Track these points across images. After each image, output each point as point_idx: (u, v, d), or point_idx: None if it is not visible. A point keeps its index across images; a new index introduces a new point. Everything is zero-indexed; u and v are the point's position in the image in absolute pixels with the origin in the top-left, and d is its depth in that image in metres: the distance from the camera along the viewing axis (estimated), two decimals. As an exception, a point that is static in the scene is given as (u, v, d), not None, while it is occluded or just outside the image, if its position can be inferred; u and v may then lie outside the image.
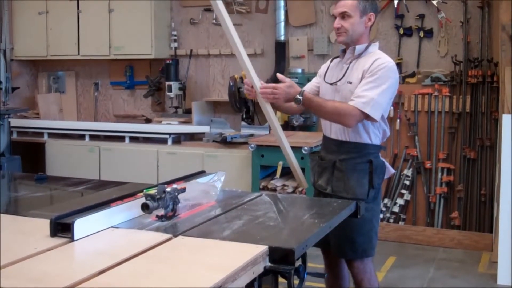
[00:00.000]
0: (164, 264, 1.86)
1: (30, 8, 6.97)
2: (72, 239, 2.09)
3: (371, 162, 3.07)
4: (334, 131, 3.16)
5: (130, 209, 2.39)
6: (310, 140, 5.15)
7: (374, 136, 3.10)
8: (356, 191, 3.05)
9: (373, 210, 3.11)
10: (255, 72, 3.10)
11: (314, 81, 3.40)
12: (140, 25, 6.47)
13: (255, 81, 3.09)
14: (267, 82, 5.99)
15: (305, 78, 5.52)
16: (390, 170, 3.24)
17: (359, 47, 3.11)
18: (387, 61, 3.05)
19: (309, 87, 3.40)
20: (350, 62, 3.13)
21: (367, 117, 2.97)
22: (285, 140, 3.27)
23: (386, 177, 3.21)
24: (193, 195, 2.57)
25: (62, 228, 2.13)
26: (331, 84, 3.17)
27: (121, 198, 2.48)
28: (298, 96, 2.99)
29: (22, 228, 2.28)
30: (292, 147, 3.28)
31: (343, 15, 3.06)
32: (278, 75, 3.13)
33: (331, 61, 3.31)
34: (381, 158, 3.18)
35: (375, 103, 2.95)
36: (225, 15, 3.03)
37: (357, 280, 3.18)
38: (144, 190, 2.47)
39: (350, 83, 3.07)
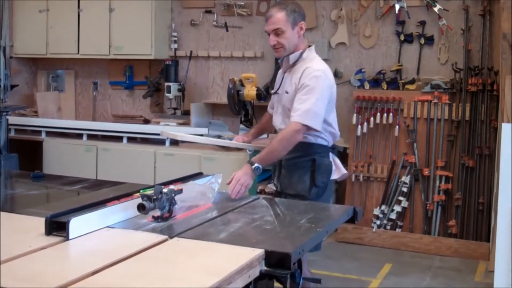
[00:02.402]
0: (159, 266, 1.85)
1: (31, 6, 6.96)
2: (67, 238, 2.07)
3: (315, 161, 3.16)
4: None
5: (126, 209, 2.38)
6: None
7: (319, 138, 3.19)
8: (297, 188, 3.16)
9: None
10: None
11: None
12: (141, 25, 6.45)
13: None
14: (266, 86, 5.99)
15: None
16: (342, 171, 3.31)
17: (292, 56, 3.21)
18: (315, 69, 3.11)
19: (270, 104, 3.53)
20: (285, 72, 3.26)
21: (309, 128, 3.07)
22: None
23: (336, 177, 3.29)
24: (190, 197, 2.56)
25: (57, 227, 2.12)
26: (274, 94, 3.32)
27: (118, 198, 2.47)
28: (253, 167, 2.97)
29: (17, 226, 2.26)
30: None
31: (276, 32, 3.17)
32: (228, 189, 2.94)
33: (275, 72, 3.40)
34: (331, 159, 3.25)
35: (311, 114, 3.05)
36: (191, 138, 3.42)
37: None
38: (141, 191, 2.45)
39: (287, 92, 3.19)
